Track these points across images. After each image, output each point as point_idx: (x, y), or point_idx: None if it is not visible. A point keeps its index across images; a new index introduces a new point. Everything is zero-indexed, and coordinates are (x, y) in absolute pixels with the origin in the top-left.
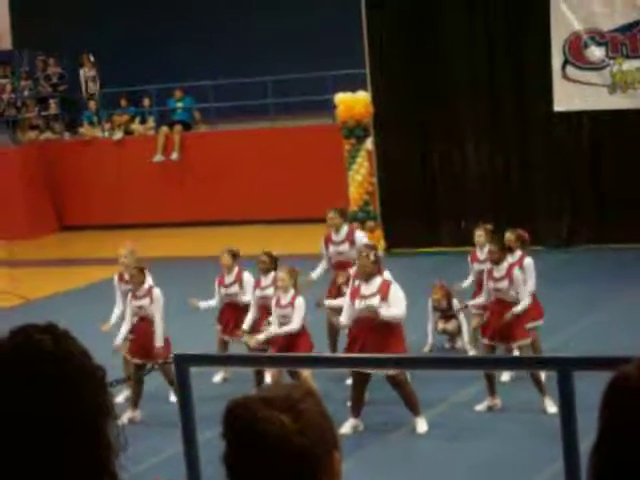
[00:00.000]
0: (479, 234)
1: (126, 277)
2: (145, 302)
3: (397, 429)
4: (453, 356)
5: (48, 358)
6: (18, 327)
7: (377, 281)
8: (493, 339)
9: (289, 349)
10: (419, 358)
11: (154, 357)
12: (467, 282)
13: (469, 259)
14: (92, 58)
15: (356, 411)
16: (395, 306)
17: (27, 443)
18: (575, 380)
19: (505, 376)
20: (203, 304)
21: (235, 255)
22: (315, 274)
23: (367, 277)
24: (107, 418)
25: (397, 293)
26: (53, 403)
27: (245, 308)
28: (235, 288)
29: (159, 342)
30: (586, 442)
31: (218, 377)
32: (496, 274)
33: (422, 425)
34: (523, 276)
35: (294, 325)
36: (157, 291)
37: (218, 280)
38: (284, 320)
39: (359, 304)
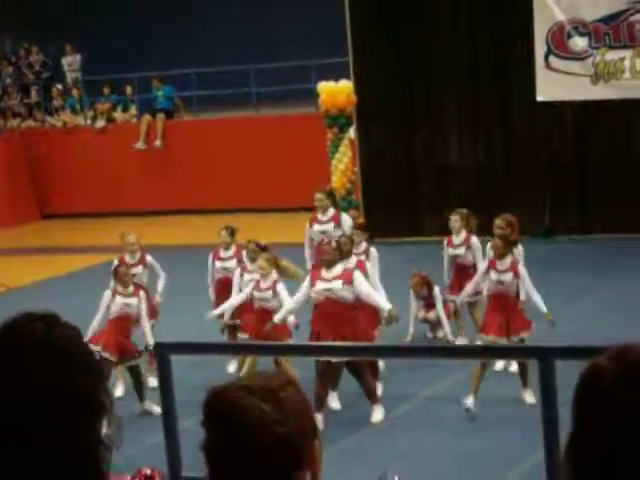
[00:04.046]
0: (455, 219)
1: (127, 260)
2: (133, 301)
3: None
4: (432, 345)
5: (37, 346)
6: (15, 315)
7: (339, 268)
8: (502, 334)
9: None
10: (399, 347)
11: (130, 354)
12: (447, 277)
13: (445, 244)
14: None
15: (320, 406)
16: (370, 294)
17: (15, 433)
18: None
19: (499, 365)
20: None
21: (233, 232)
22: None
23: (328, 265)
24: (99, 410)
25: (361, 282)
26: (42, 392)
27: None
28: (232, 263)
29: (150, 340)
30: (566, 432)
31: (232, 367)
32: (500, 266)
33: (378, 414)
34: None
35: (287, 304)
36: (142, 293)
37: (212, 255)
38: (263, 303)
39: (320, 286)
